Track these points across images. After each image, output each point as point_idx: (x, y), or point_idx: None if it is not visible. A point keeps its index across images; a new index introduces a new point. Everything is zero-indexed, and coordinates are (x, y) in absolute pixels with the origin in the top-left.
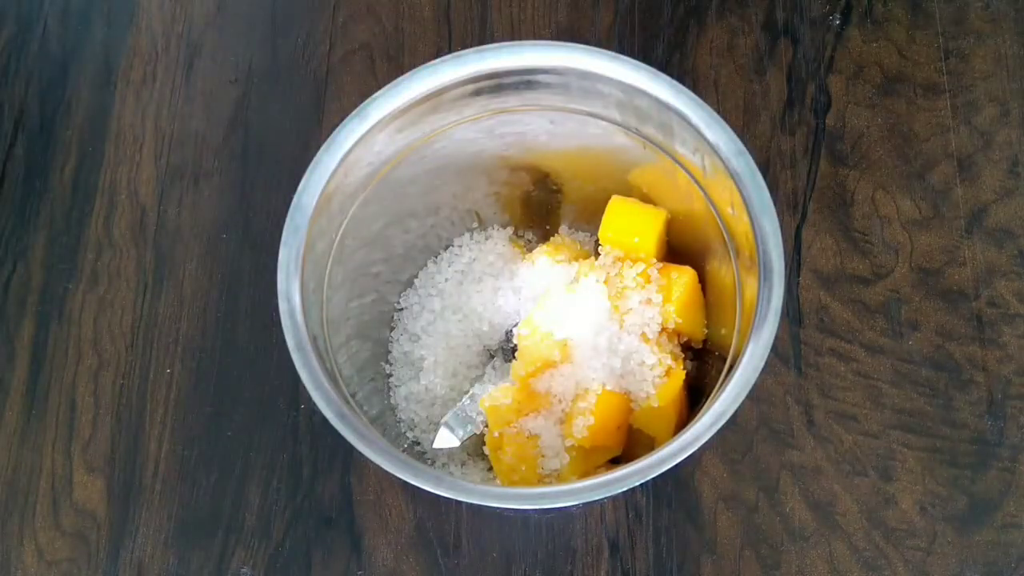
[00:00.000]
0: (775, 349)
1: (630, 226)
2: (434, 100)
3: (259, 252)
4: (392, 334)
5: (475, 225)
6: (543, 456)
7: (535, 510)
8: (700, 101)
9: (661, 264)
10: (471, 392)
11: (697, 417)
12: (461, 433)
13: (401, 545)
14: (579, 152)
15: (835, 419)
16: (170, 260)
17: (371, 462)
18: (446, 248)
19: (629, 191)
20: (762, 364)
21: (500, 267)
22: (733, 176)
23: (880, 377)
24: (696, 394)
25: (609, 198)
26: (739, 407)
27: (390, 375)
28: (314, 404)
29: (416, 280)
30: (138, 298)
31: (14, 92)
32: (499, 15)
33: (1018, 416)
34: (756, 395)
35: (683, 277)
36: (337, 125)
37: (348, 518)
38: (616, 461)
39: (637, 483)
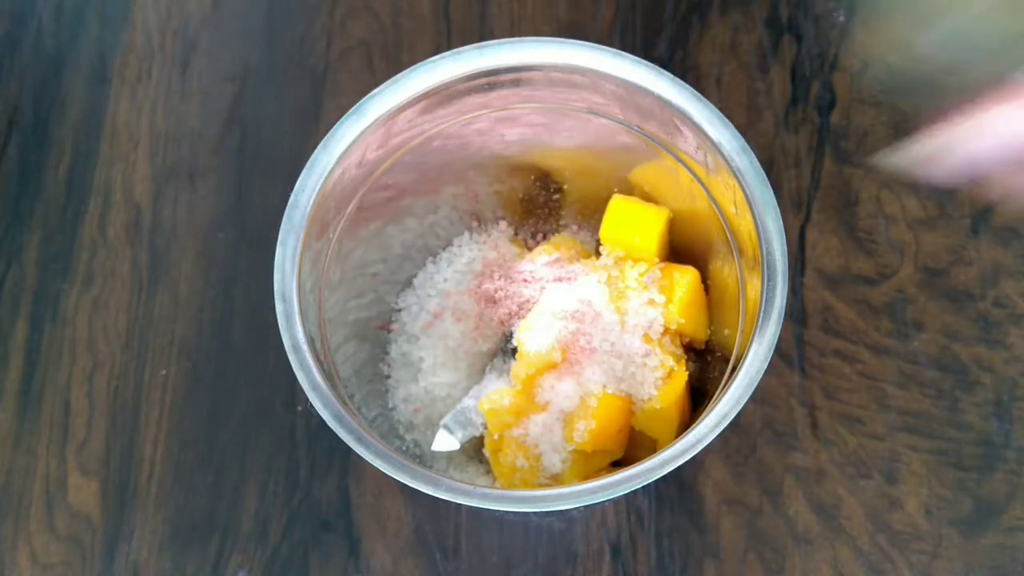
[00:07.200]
0: (778, 350)
1: (632, 225)
2: (433, 97)
3: (256, 251)
4: (391, 335)
5: (475, 224)
6: (543, 458)
7: (535, 513)
8: (703, 98)
9: (663, 264)
10: (470, 394)
11: (700, 419)
12: (460, 435)
13: (399, 549)
14: (580, 150)
15: (839, 421)
16: (165, 260)
17: (369, 464)
18: (445, 248)
19: (631, 190)
20: (765, 365)
21: (500, 267)
22: (736, 174)
23: (885, 378)
24: (698, 396)
25: (610, 197)
26: (742, 409)
27: (388, 376)
28: (311, 406)
29: (415, 280)
30: (133, 298)
31: (7, 90)
32: (499, 11)
33: None
34: (759, 397)
35: (685, 277)
36: (335, 123)
37: (346, 521)
38: (618, 463)
39: (639, 486)
